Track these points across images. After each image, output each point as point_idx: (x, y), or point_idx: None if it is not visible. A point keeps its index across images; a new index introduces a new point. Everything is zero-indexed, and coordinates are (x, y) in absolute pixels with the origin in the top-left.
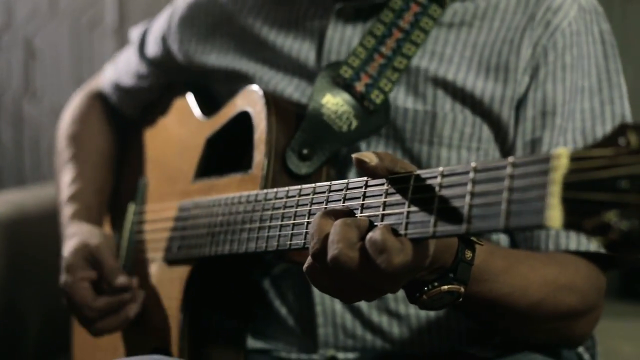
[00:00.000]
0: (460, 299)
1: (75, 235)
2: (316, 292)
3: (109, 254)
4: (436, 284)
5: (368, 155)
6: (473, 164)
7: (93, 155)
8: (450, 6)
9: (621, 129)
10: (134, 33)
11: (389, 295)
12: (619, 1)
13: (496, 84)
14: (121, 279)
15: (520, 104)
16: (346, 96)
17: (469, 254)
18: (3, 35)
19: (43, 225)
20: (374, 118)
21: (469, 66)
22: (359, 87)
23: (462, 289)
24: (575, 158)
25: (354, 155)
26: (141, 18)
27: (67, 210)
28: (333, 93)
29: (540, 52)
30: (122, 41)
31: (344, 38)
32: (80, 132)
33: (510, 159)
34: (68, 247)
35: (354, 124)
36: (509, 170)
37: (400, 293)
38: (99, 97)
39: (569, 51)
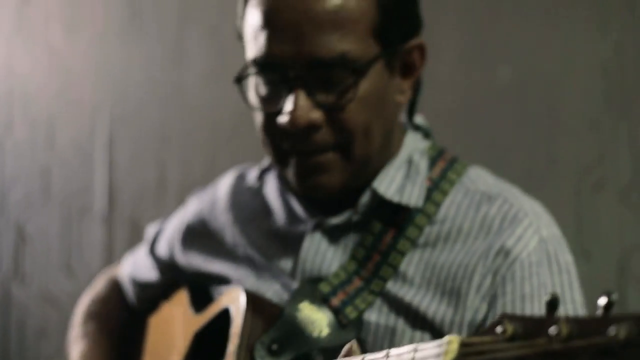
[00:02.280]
0: None
1: None
2: None
3: None
4: None
5: None
6: (386, 350)
7: (109, 336)
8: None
9: (500, 319)
10: (150, 230)
11: None
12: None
13: (448, 308)
14: None
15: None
16: (323, 307)
17: None
18: None
19: None
20: (345, 332)
21: (427, 288)
22: (335, 301)
23: None
24: (464, 344)
25: None
26: (129, 206)
27: None
28: (311, 301)
29: (499, 281)
30: (110, 229)
31: (319, 250)
32: (100, 311)
33: (415, 345)
34: None
35: (325, 331)
36: (410, 355)
37: None
38: (117, 286)
39: (528, 281)
